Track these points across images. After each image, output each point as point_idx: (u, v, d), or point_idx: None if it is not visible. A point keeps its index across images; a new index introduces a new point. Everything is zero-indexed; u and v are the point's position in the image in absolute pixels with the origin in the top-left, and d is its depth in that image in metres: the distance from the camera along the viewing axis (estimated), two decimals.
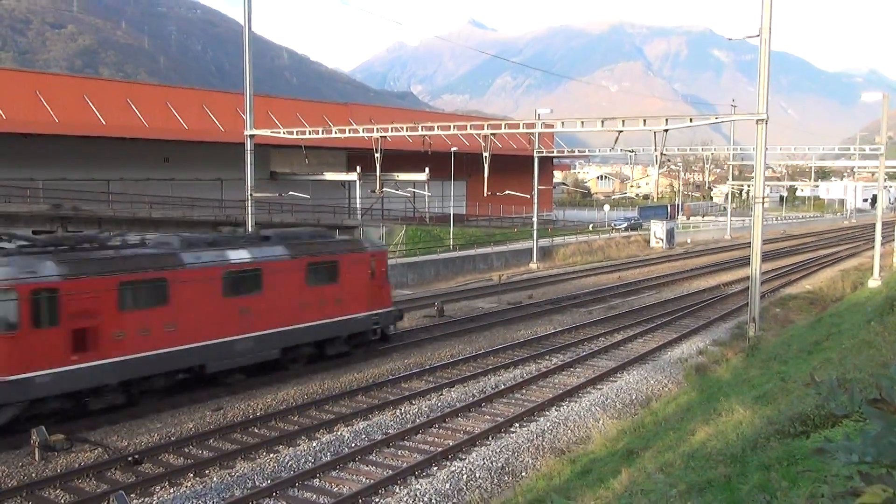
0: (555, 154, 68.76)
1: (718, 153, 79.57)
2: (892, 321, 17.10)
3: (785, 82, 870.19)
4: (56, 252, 16.76)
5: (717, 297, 34.94)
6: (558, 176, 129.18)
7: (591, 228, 71.01)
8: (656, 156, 25.19)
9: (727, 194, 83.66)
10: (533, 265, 48.10)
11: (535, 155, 47.98)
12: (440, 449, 14.85)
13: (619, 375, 20.96)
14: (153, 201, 43.40)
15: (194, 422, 16.92)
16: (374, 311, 23.69)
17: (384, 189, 32.00)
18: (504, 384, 19.94)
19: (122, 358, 16.90)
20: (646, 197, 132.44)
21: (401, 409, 17.82)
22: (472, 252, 48.60)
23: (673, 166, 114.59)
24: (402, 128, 28.05)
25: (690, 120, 24.90)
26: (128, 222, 36.17)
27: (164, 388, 18.30)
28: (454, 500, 12.80)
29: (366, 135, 28.86)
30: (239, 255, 19.85)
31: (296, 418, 17.34)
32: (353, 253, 23.49)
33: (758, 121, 22.83)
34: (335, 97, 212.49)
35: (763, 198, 23.90)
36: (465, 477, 13.57)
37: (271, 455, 14.87)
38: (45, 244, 17.17)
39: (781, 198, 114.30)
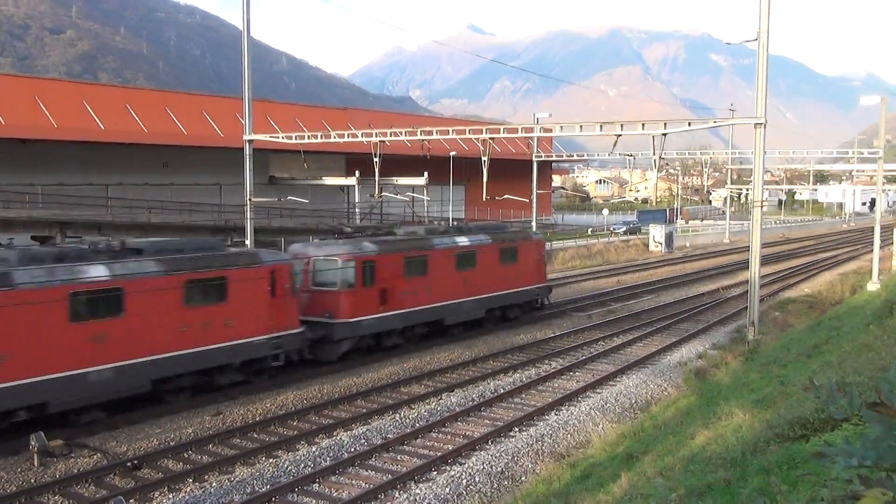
0: (553, 158, 68.65)
1: (717, 157, 79.63)
2: (891, 324, 17.11)
3: (783, 86, 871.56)
4: (370, 236, 24.11)
5: (716, 301, 34.93)
6: (557, 180, 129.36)
7: (590, 232, 71.02)
8: (655, 160, 25.21)
9: (726, 198, 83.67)
10: None
11: (534, 159, 47.98)
12: (440, 453, 14.82)
13: (618, 379, 20.93)
14: (152, 206, 43.36)
15: (193, 427, 16.87)
16: (537, 286, 30.27)
17: (383, 193, 31.98)
18: (503, 388, 19.92)
19: (404, 311, 23.66)
20: (644, 201, 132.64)
21: (400, 414, 17.79)
22: None
23: (672, 170, 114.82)
24: (400, 132, 28.04)
25: (689, 124, 24.90)
26: (126, 227, 36.18)
27: (420, 336, 24.98)
28: None
29: (364, 139, 28.84)
30: (462, 241, 26.64)
31: (295, 423, 17.30)
32: (524, 240, 30.14)
33: (756, 124, 22.85)
34: (334, 102, 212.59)
35: (762, 201, 23.90)
36: (464, 481, 13.55)
37: (271, 460, 14.84)
38: (356, 231, 24.86)
39: (780, 201, 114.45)
